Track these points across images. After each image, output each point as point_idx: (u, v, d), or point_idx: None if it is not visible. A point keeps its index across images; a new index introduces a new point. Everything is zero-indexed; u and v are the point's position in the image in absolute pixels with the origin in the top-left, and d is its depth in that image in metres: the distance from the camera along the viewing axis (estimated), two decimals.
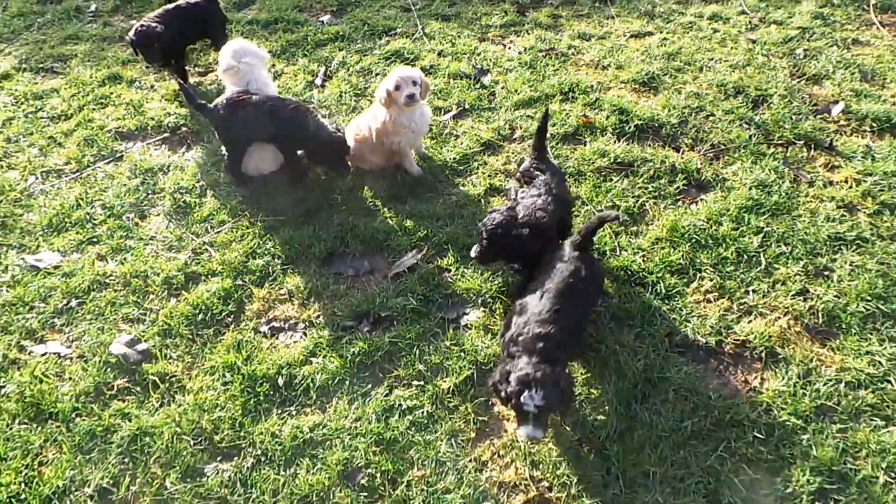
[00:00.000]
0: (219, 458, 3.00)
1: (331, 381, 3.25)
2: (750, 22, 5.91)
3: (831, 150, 4.39)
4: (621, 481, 2.77)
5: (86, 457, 3.00)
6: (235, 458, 2.99)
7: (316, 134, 4.12)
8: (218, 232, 4.06)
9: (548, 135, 4.09)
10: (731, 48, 5.55)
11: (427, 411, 3.12)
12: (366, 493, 2.84)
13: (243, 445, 3.03)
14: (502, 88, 5.16)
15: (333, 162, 4.27)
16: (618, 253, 3.76)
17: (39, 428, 3.09)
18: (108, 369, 3.35)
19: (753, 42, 5.63)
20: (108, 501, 2.88)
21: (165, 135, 4.90)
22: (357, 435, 3.04)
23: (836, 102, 4.79)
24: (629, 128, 4.66)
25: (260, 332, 3.51)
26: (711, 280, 3.58)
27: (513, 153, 4.52)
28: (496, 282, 3.65)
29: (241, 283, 3.74)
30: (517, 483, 2.87)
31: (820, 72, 5.14)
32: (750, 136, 4.55)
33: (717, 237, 3.80)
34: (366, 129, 4.32)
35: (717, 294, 3.52)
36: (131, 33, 4.89)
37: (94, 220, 4.19)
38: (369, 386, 3.25)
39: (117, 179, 4.49)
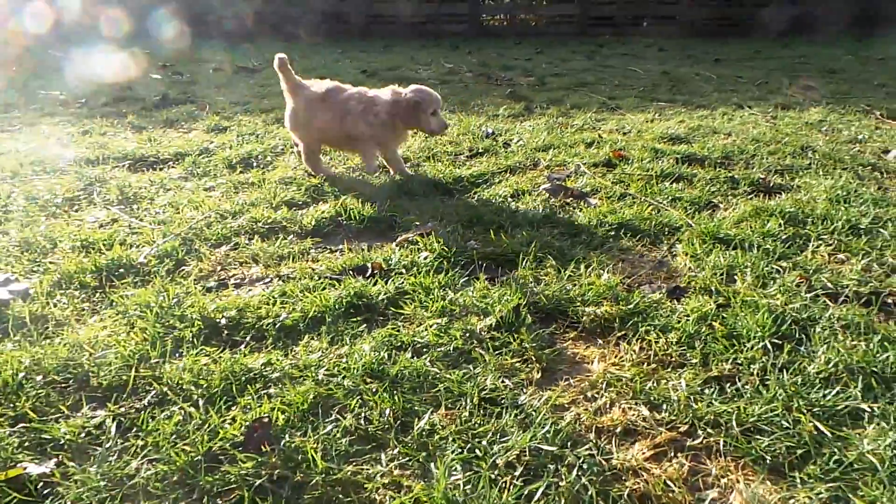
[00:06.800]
0: (91, 404, 1.70)
1: (301, 322, 2.06)
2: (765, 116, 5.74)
3: None
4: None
5: None
6: (121, 399, 1.70)
7: None
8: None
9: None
10: (754, 125, 5.25)
11: (456, 347, 1.92)
12: (352, 436, 1.54)
13: (140, 385, 1.75)
14: (518, 141, 4.64)
15: None
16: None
17: None
18: None
19: (775, 120, 5.39)
20: None
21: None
22: (341, 371, 1.79)
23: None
24: (668, 161, 4.06)
25: (203, 287, 2.38)
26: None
27: (540, 177, 3.80)
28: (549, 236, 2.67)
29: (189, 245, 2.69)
30: (630, 427, 1.59)
31: (854, 136, 4.78)
32: (810, 163, 3.96)
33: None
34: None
35: None
36: None
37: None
38: (363, 327, 2.06)
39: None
